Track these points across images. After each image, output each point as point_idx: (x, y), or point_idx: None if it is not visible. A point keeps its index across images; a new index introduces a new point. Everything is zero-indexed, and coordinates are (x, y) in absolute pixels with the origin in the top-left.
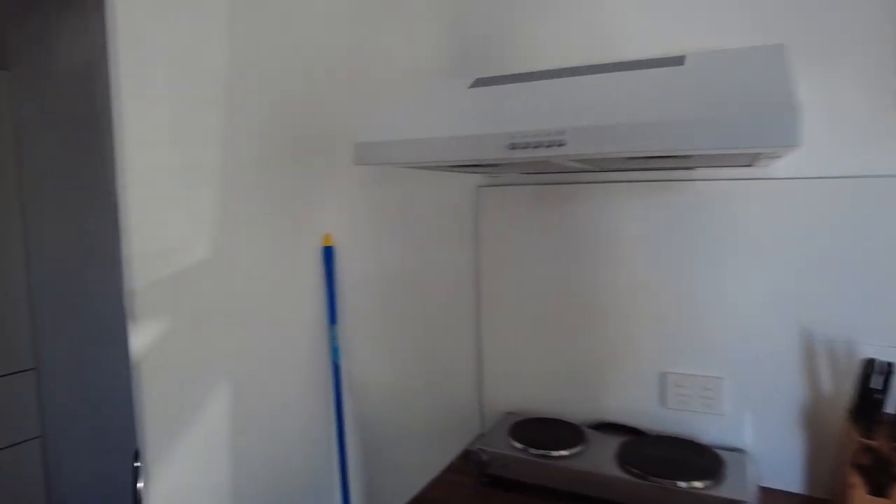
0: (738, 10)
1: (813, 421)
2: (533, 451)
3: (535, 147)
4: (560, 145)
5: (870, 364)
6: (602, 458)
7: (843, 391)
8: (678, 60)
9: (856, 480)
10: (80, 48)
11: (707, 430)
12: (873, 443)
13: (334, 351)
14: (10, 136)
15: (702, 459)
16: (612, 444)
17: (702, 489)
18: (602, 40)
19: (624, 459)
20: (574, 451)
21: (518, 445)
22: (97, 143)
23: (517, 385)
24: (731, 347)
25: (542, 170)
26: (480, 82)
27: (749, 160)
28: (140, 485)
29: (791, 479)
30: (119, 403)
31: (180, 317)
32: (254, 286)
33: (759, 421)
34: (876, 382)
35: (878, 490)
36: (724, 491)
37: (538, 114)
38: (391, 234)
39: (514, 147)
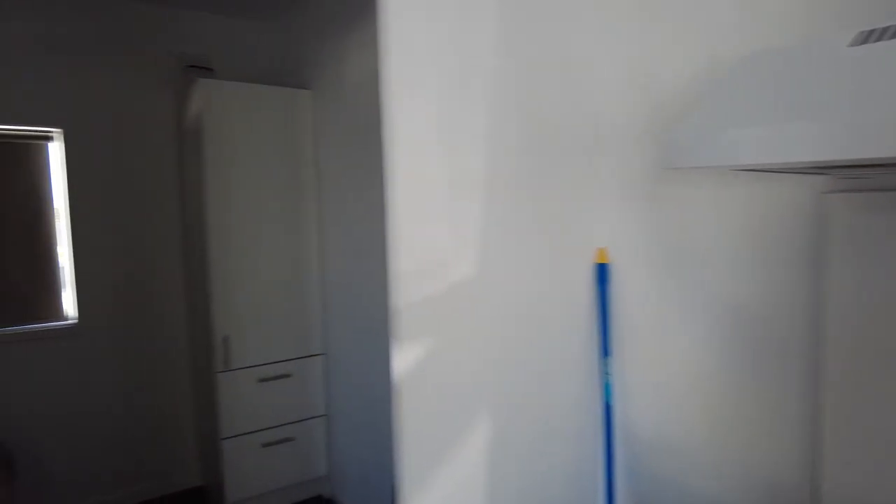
0: None
1: None
2: None
3: None
4: None
5: None
6: None
7: None
8: None
9: None
10: (365, 62)
11: None
12: None
13: (606, 388)
14: (312, 150)
15: None
16: None
17: None
18: None
19: None
20: None
21: None
22: (377, 153)
23: (872, 471)
24: None
25: None
26: (866, 37)
27: None
28: None
29: None
30: (383, 391)
31: (442, 339)
32: (518, 307)
33: None
34: None
35: None
36: None
37: None
38: (679, 250)
39: None
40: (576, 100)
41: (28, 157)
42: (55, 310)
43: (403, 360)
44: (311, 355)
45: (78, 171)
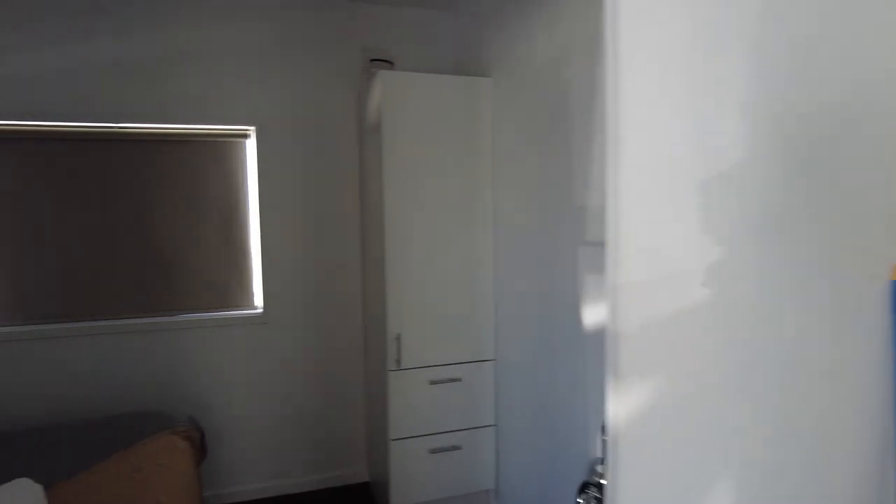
0: None
1: None
2: None
3: None
4: None
5: None
6: None
7: None
8: None
9: None
10: (549, 44)
11: None
12: None
13: None
14: (489, 141)
15: None
16: None
17: None
18: None
19: None
20: None
21: None
22: (565, 143)
23: None
24: None
25: None
26: None
27: None
28: None
29: None
30: (563, 408)
31: (671, 372)
32: (773, 335)
33: None
34: None
35: None
36: None
37: None
38: None
39: None
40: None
41: (227, 154)
42: (248, 298)
43: (624, 401)
44: (481, 360)
45: (266, 167)
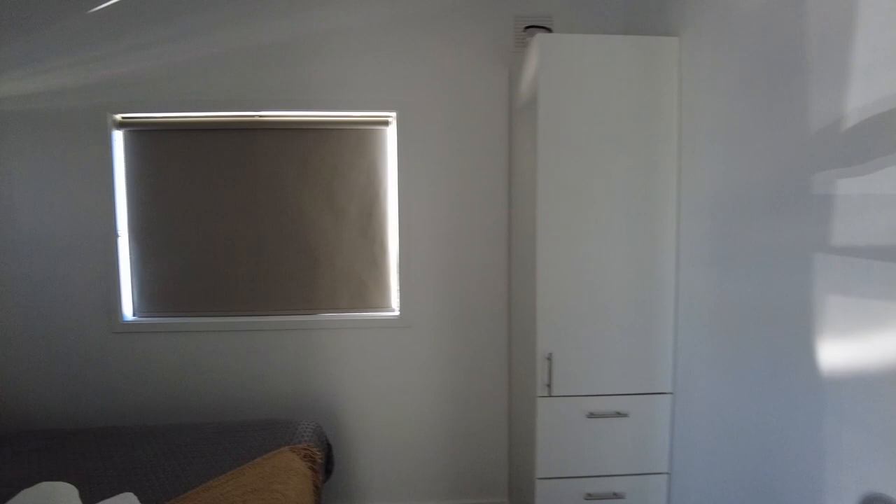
0: None
1: None
2: None
3: None
4: None
5: None
6: None
7: None
8: None
9: None
10: None
11: None
12: None
13: None
14: (675, 116)
15: None
16: None
17: None
18: None
19: None
20: None
21: None
22: (799, 109)
23: None
24: None
25: None
26: None
27: None
28: None
29: None
30: (782, 466)
31: None
32: None
33: None
34: None
35: None
36: None
37: None
38: None
39: None
40: None
41: (367, 142)
42: (384, 300)
43: None
44: (654, 392)
45: (407, 157)
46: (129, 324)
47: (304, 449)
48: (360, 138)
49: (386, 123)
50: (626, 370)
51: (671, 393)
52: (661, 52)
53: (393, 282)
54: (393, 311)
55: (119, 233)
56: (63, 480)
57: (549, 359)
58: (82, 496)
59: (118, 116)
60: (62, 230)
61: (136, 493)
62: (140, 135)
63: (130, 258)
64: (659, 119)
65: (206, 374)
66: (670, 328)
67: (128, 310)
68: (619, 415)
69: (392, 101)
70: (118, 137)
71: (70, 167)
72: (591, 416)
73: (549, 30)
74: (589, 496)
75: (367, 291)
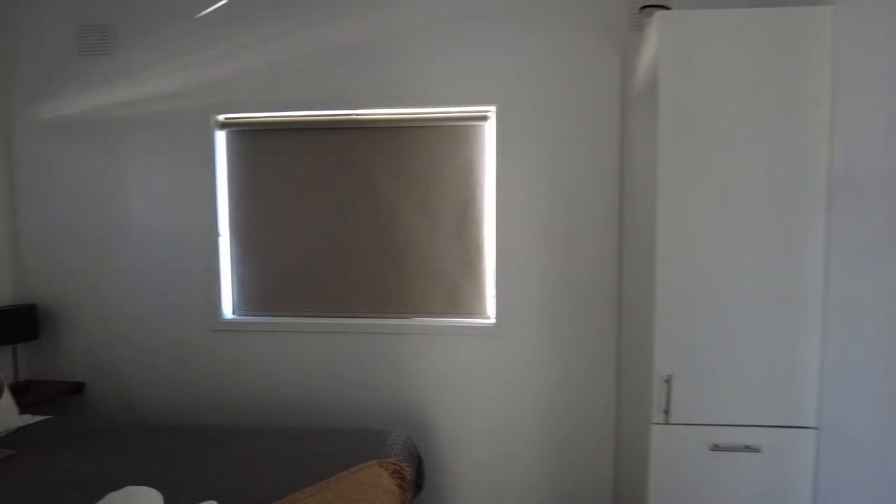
0: None
1: None
2: None
3: None
4: None
5: None
6: None
7: None
8: None
9: None
10: None
11: None
12: None
13: None
14: (827, 101)
15: None
16: None
17: None
18: None
19: None
20: None
21: None
22: None
23: None
24: None
25: None
26: None
27: None
28: None
29: None
30: None
31: None
32: None
33: None
34: None
35: None
36: None
37: None
38: None
39: None
40: None
41: (464, 139)
42: (480, 305)
43: None
44: (794, 426)
45: (506, 153)
46: (228, 322)
47: (394, 464)
48: (457, 135)
49: (484, 118)
50: (760, 398)
51: (815, 427)
52: (807, 24)
53: (489, 286)
54: (488, 317)
55: (220, 232)
56: (153, 476)
57: (668, 381)
58: (167, 498)
59: (221, 117)
60: (168, 229)
61: (218, 501)
62: (240, 135)
63: (231, 257)
64: (809, 102)
65: (297, 375)
66: (816, 348)
67: (227, 308)
68: (748, 449)
69: (491, 94)
70: (220, 138)
71: (176, 168)
72: (716, 448)
73: (667, 8)
74: None
75: (461, 295)
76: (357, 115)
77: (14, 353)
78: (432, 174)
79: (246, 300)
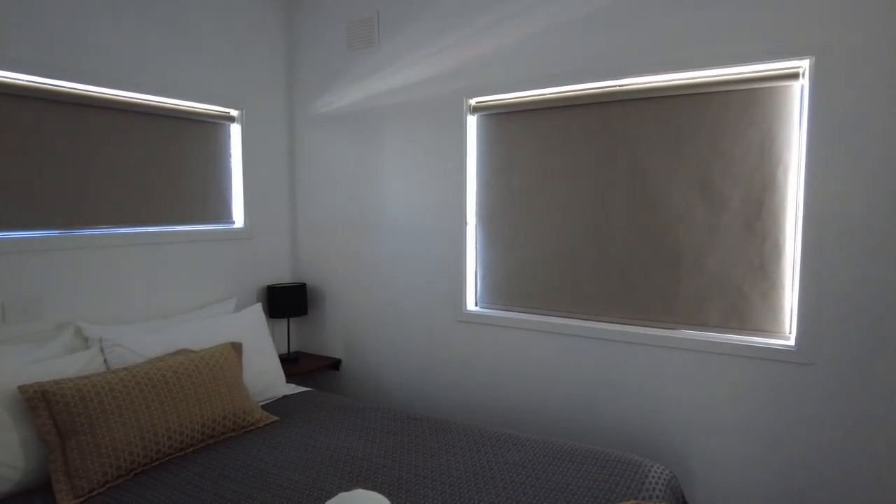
0: None
1: None
2: None
3: None
4: None
5: None
6: None
7: None
8: None
9: None
10: None
11: None
12: None
13: None
14: None
15: None
16: None
17: None
18: None
19: None
20: None
21: None
22: None
23: None
24: None
25: None
26: None
27: None
28: None
29: None
30: None
31: None
32: None
33: None
34: None
35: None
36: None
37: None
38: None
39: None
40: None
41: (761, 107)
42: (772, 320)
43: None
44: None
45: (826, 122)
46: (471, 314)
47: None
48: (752, 101)
49: (794, 77)
50: None
51: None
52: None
53: (788, 297)
54: (786, 338)
55: (467, 221)
56: (393, 468)
57: None
58: (399, 499)
59: (472, 101)
60: (419, 216)
61: None
62: (489, 119)
63: (476, 247)
64: None
65: (537, 377)
66: None
67: (470, 300)
68: None
69: (805, 44)
70: (471, 123)
71: (428, 155)
72: None
73: None
74: None
75: (748, 306)
76: (620, 85)
77: (288, 326)
78: (716, 152)
79: (490, 292)
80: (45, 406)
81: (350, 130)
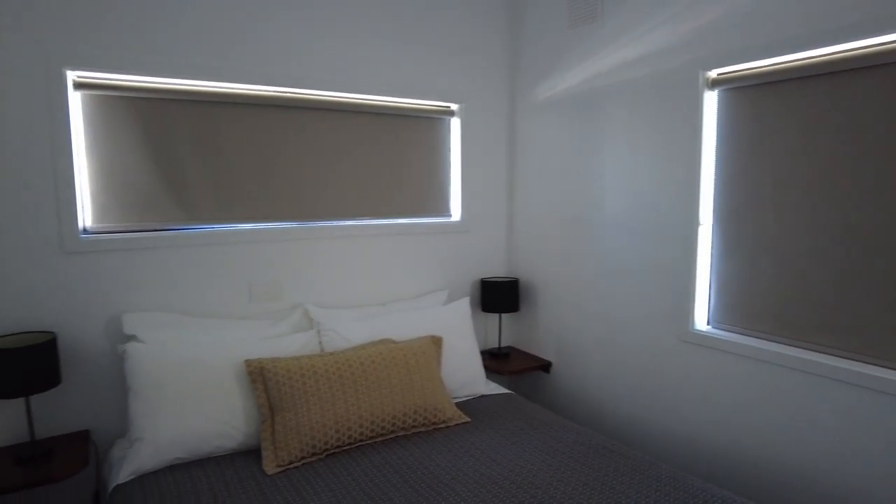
0: None
1: None
2: None
3: None
4: None
5: None
6: None
7: None
8: None
9: None
10: None
11: None
12: None
13: None
14: None
15: None
16: None
17: None
18: None
19: None
20: None
21: None
22: None
23: None
24: None
25: None
26: None
27: None
28: None
29: None
30: None
31: None
32: None
33: None
34: None
35: None
36: None
37: None
38: None
39: None
40: None
41: None
42: None
43: None
44: None
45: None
46: (700, 335)
47: None
48: None
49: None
50: None
51: None
52: None
53: None
54: None
55: (701, 221)
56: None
57: None
58: None
59: (713, 73)
60: (641, 212)
61: None
62: (735, 93)
63: (711, 252)
64: None
65: (788, 434)
66: None
67: (700, 317)
68: None
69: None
70: (710, 100)
71: (654, 142)
72: None
73: None
74: None
75: None
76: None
77: (500, 320)
78: None
79: (727, 310)
80: (261, 381)
81: (568, 117)
